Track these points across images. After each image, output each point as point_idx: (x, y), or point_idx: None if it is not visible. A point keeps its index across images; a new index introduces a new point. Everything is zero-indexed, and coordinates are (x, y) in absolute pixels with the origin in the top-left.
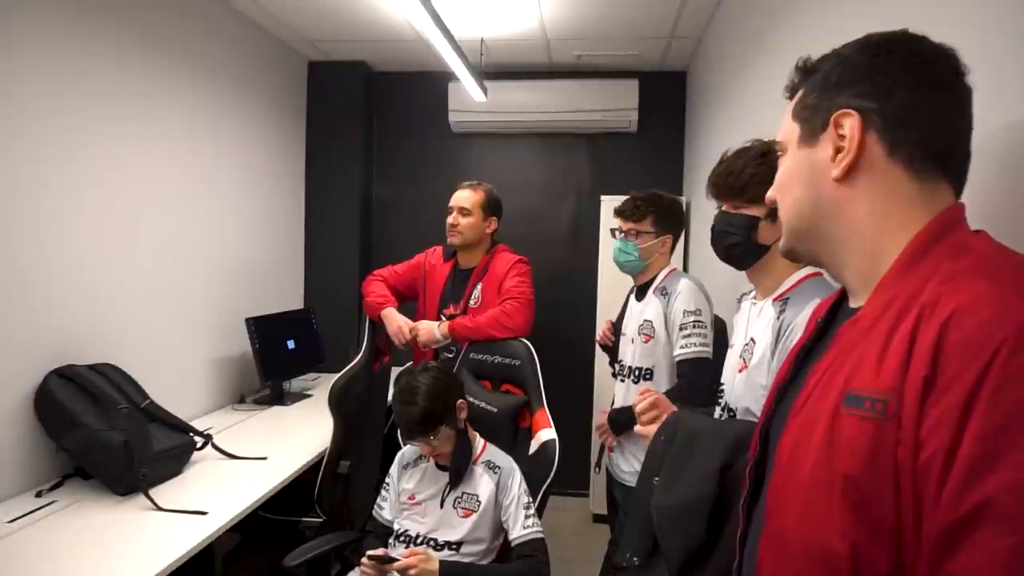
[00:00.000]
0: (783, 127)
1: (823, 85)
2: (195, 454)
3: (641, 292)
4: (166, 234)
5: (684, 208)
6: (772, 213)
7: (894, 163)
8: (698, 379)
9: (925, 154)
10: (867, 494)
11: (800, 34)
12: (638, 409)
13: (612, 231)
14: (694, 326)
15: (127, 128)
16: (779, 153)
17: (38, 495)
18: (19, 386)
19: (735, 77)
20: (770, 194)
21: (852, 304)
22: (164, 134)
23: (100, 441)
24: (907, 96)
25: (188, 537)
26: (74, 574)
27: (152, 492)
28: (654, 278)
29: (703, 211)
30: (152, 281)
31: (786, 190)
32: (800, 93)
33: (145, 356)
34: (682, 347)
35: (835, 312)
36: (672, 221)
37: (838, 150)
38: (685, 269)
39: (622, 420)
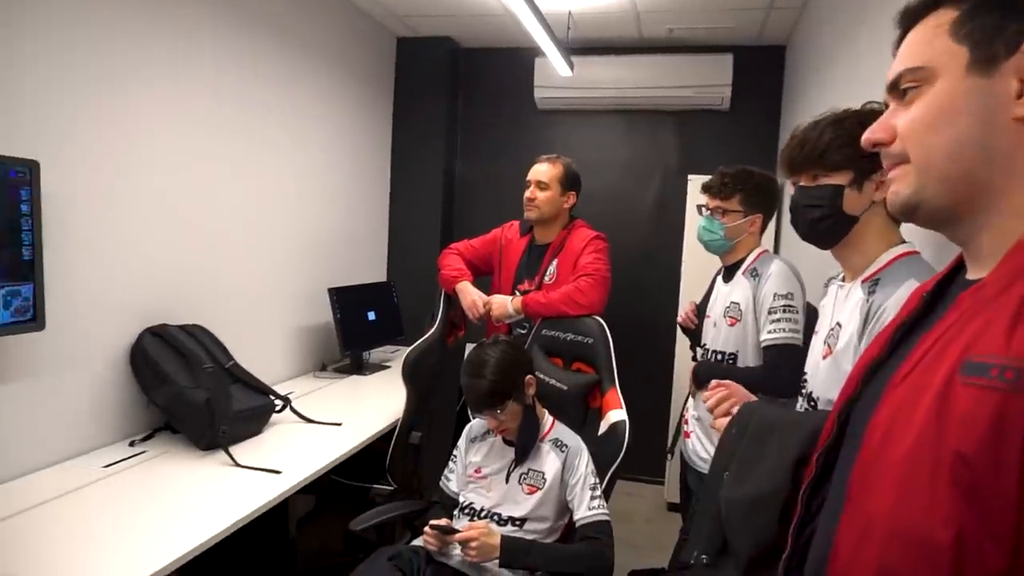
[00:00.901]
0: (926, 50)
1: (1002, 4)
2: (274, 416)
3: (729, 273)
4: (256, 204)
5: (779, 186)
6: (857, 180)
7: None
8: (784, 367)
9: None
10: (983, 476)
11: None
12: (708, 405)
13: (698, 207)
14: (784, 310)
15: (222, 100)
16: (909, 84)
17: (131, 444)
18: (117, 342)
19: (841, 50)
20: (878, 134)
21: (972, 276)
22: (257, 106)
23: (185, 397)
24: None
25: (263, 493)
26: (158, 519)
27: (231, 449)
28: (743, 259)
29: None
30: (242, 248)
31: (937, 127)
32: (954, 13)
33: (233, 320)
34: (770, 332)
35: (943, 287)
36: (763, 200)
37: None
38: (776, 252)
39: (704, 373)
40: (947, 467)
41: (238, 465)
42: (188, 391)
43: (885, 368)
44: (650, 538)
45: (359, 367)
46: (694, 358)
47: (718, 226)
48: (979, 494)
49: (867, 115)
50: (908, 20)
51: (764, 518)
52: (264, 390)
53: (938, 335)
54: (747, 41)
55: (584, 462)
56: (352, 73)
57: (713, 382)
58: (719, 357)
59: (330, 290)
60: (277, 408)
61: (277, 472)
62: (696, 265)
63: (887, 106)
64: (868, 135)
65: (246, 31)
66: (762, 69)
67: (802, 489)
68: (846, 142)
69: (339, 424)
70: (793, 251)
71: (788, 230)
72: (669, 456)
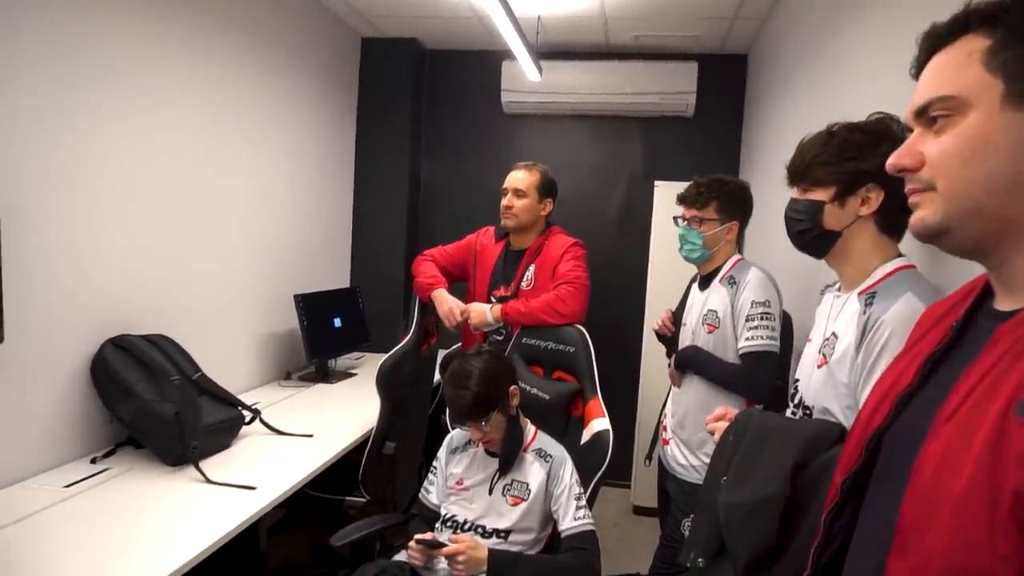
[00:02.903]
0: (958, 79)
1: None
2: (243, 429)
3: (705, 281)
4: (219, 209)
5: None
6: (839, 196)
7: None
8: (761, 373)
9: None
10: None
11: (877, 15)
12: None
13: (675, 219)
14: (762, 318)
15: (181, 102)
16: (940, 112)
17: (92, 461)
18: (77, 354)
19: (800, 61)
20: (905, 160)
21: (1002, 306)
22: (218, 108)
23: (152, 411)
24: None
25: (238, 511)
26: (129, 541)
27: (202, 464)
28: (720, 267)
29: (759, 199)
30: (204, 254)
31: (971, 160)
32: (986, 41)
33: (196, 328)
34: (747, 339)
35: (970, 316)
36: (738, 207)
37: None
38: None
39: (686, 360)
40: (1006, 507)
41: (210, 482)
42: (155, 404)
43: (920, 399)
44: (619, 542)
45: (325, 375)
46: (670, 364)
47: (697, 236)
48: None
49: (857, 130)
50: (934, 43)
51: (764, 522)
52: (233, 402)
53: (983, 371)
54: (711, 50)
55: (568, 472)
56: (316, 74)
57: (718, 410)
58: None
59: (296, 297)
60: (246, 420)
61: (251, 488)
62: (663, 270)
63: (909, 129)
64: (894, 160)
65: (205, 31)
66: (725, 77)
67: (825, 512)
68: (828, 159)
69: (310, 436)
70: (762, 258)
71: (751, 237)
72: (647, 462)
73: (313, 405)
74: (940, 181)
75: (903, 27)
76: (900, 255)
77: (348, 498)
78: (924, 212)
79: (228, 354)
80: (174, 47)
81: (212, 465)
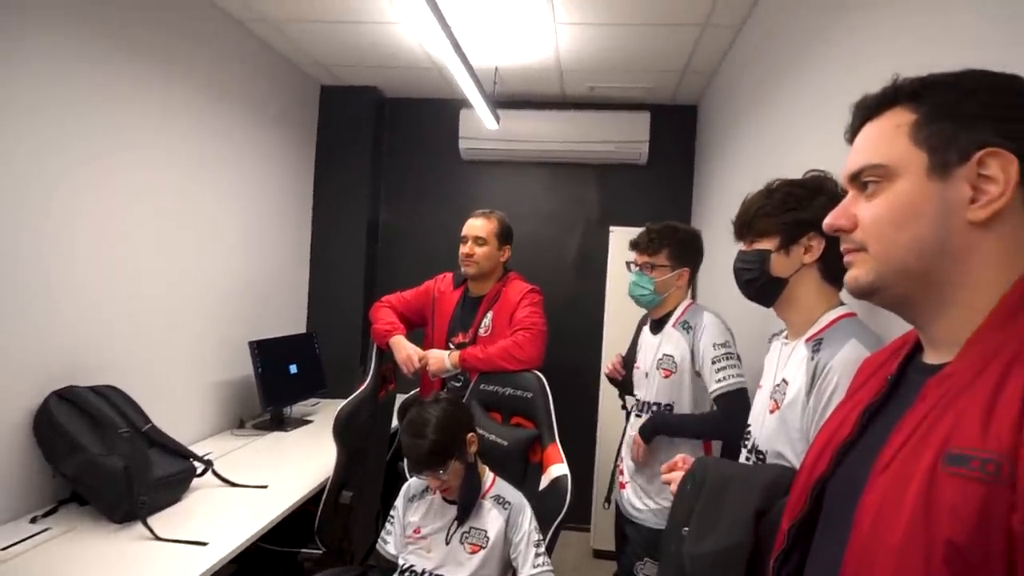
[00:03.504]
0: (889, 150)
1: (955, 113)
2: (195, 481)
3: (657, 325)
4: (171, 255)
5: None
6: (784, 244)
7: None
8: (739, 412)
9: None
10: (974, 564)
11: (813, 76)
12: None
13: (628, 264)
14: (726, 358)
15: (134, 147)
16: (871, 179)
17: (32, 521)
18: (19, 406)
19: (746, 113)
20: (840, 221)
21: (930, 360)
22: (173, 153)
23: (99, 466)
24: None
25: (187, 569)
26: None
27: (150, 520)
28: (671, 312)
29: (709, 246)
30: (155, 302)
31: (900, 225)
32: (912, 116)
33: (146, 378)
34: (718, 381)
35: (903, 368)
36: (689, 254)
37: (975, 189)
38: None
39: (654, 428)
40: (940, 556)
41: (158, 538)
42: (102, 459)
43: (858, 449)
44: None
45: (280, 422)
46: (623, 407)
47: (648, 281)
48: None
49: (796, 185)
50: (866, 113)
51: (730, 570)
52: (184, 453)
53: (914, 423)
54: (663, 100)
55: (527, 519)
56: (274, 121)
57: (678, 457)
58: (655, 408)
59: (251, 343)
60: (198, 472)
61: (203, 544)
62: (619, 315)
63: (844, 191)
64: (831, 220)
65: (163, 77)
66: (677, 127)
67: (772, 558)
68: (771, 211)
69: (265, 486)
70: (714, 303)
71: (702, 283)
72: (606, 505)
73: (268, 454)
74: (872, 244)
75: (839, 87)
76: (842, 303)
77: (303, 550)
78: (857, 271)
79: (179, 403)
80: (130, 93)
81: (161, 520)
